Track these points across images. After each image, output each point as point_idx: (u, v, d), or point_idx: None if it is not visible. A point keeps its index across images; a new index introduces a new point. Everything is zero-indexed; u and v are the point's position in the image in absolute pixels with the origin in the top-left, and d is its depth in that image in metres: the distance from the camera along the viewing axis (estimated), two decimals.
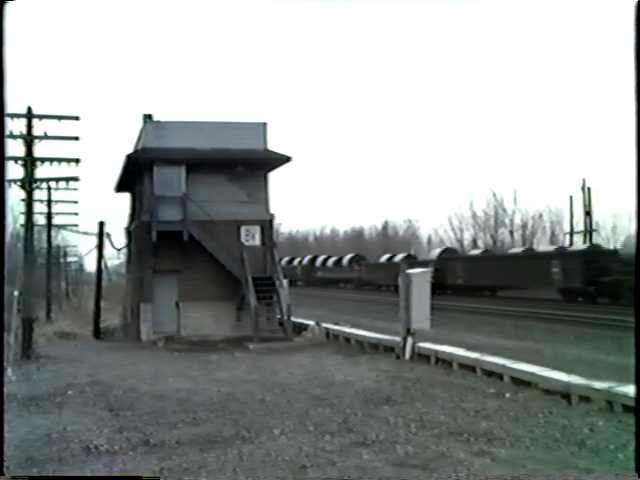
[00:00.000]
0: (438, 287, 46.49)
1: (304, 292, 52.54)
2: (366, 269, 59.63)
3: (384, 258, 60.19)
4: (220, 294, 23.28)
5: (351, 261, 66.10)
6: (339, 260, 68.93)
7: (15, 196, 20.35)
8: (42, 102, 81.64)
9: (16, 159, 18.80)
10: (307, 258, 74.78)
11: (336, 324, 22.77)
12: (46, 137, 19.23)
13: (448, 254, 51.70)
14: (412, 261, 54.86)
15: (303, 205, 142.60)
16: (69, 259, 59.58)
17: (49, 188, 32.96)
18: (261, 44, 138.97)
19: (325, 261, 71.42)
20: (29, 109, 18.99)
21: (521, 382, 11.96)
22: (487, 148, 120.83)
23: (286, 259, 77.32)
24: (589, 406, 10.14)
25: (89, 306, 32.38)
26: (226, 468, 7.57)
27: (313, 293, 52.39)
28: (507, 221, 66.99)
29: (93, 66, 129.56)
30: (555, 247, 44.20)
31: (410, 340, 15.95)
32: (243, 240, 23.71)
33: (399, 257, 57.19)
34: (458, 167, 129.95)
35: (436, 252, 53.30)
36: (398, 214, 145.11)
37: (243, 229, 23.88)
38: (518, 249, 49.46)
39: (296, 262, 76.53)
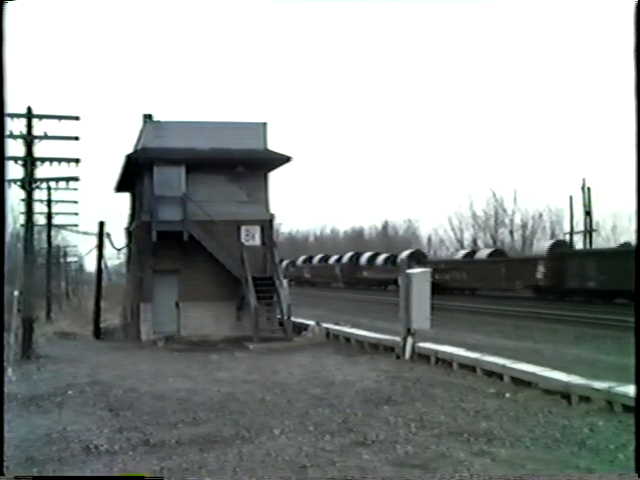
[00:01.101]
0: (549, 291, 37.08)
1: (344, 296, 48.35)
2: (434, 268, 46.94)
3: (461, 254, 49.52)
4: (220, 294, 23.28)
5: (410, 258, 54.20)
6: (392, 257, 57.15)
7: (15, 196, 20.37)
8: (42, 102, 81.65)
9: (16, 159, 18.80)
10: (347, 255, 64.10)
11: (336, 324, 22.76)
12: (46, 137, 19.22)
13: (563, 248, 41.18)
14: (504, 258, 45.01)
15: (303, 205, 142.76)
16: (69, 259, 59.61)
17: (49, 188, 32.98)
18: (261, 44, 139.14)
19: (372, 259, 59.62)
20: (29, 109, 18.98)
21: (521, 382, 11.96)
22: (487, 148, 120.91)
23: (319, 257, 70.12)
24: (589, 406, 10.14)
25: (89, 306, 32.37)
26: (226, 468, 7.58)
27: (356, 297, 46.49)
28: (507, 221, 67.04)
29: (93, 66, 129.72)
30: None
31: (410, 340, 15.95)
32: (243, 240, 23.71)
33: (484, 252, 47.79)
34: (458, 167, 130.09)
35: (545, 245, 43.18)
36: (398, 214, 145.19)
37: (243, 229, 23.88)
38: None
39: (332, 260, 66.15)
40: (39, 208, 32.08)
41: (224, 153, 23.57)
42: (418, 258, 51.65)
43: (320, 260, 69.43)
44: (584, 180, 44.86)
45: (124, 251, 29.65)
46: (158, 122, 24.16)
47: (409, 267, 48.08)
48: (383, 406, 10.73)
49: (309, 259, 71.63)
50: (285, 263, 70.78)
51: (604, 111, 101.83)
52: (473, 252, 49.53)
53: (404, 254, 55.02)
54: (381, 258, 59.27)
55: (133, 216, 26.73)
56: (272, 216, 24.51)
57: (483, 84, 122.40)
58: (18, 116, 18.74)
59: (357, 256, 62.73)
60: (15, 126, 18.80)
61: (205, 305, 23.12)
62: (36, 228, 27.98)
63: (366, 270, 59.79)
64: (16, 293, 18.21)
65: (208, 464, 7.70)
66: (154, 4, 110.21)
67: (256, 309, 21.53)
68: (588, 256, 37.90)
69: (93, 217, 30.79)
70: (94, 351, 20.32)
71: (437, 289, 41.76)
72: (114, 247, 28.13)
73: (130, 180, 25.78)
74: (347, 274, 61.55)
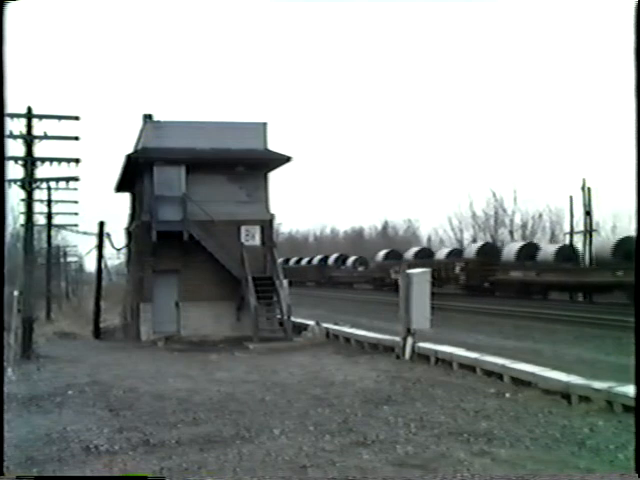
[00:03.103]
0: None
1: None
2: None
3: None
4: (220, 294, 23.27)
5: (616, 250, 34.58)
6: (566, 251, 39.27)
7: (15, 196, 20.37)
8: (42, 102, 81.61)
9: (16, 159, 18.81)
10: (475, 247, 45.03)
11: (336, 324, 22.75)
12: (46, 137, 19.23)
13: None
14: None
15: (303, 205, 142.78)
16: (69, 259, 59.63)
17: (49, 188, 32.98)
18: (261, 44, 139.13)
19: (528, 253, 39.70)
20: (29, 109, 18.99)
21: (521, 382, 11.96)
22: (487, 148, 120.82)
23: (414, 250, 52.47)
24: (589, 406, 10.14)
25: (89, 306, 32.38)
26: (226, 468, 7.58)
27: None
28: (507, 221, 66.97)
29: (93, 66, 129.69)
30: None
31: (410, 340, 15.94)
32: (243, 240, 23.71)
33: None
34: (458, 167, 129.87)
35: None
36: (398, 214, 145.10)
37: (243, 229, 23.88)
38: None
39: (443, 254, 47.19)
40: (39, 208, 32.13)
41: (224, 153, 23.58)
42: (624, 251, 32.84)
43: (418, 255, 49.81)
44: (584, 180, 44.73)
45: (124, 251, 29.66)
46: (158, 122, 24.16)
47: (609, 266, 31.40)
48: (383, 406, 10.73)
49: (396, 254, 53.64)
50: (351, 260, 64.71)
51: (604, 111, 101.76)
52: None
53: (609, 245, 36.44)
54: (551, 250, 39.70)
55: (133, 216, 26.73)
56: (272, 216, 24.52)
57: (483, 84, 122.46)
58: (18, 116, 18.75)
59: (493, 247, 43.64)
60: (15, 126, 18.85)
61: (205, 305, 23.11)
62: (36, 228, 28.02)
63: (506, 269, 39.31)
64: (16, 293, 18.22)
65: (208, 464, 7.70)
66: (154, 4, 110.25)
67: (256, 309, 21.54)
68: None
69: (93, 217, 30.91)
70: (94, 351, 20.33)
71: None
72: (114, 247, 28.17)
73: (130, 180, 25.78)
74: (477, 274, 40.77)
